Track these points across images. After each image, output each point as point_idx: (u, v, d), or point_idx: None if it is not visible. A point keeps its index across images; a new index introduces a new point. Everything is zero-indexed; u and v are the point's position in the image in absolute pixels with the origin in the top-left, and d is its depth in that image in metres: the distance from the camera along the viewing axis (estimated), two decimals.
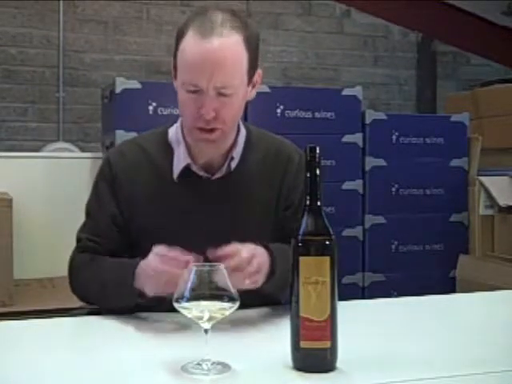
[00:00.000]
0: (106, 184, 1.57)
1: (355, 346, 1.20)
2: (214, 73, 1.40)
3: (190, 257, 1.26)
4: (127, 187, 1.55)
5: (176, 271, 1.24)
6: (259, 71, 1.53)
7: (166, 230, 1.48)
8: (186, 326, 1.20)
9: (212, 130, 1.45)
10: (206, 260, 1.24)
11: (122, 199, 1.55)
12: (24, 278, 3.00)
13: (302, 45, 4.72)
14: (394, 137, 3.30)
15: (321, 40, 4.76)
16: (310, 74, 4.72)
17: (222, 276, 1.10)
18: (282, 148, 1.64)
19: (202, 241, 1.37)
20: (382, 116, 3.32)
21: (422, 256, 3.32)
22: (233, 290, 1.10)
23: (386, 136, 3.29)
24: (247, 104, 1.57)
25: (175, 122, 1.61)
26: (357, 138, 3.23)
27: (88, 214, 1.61)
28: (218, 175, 1.55)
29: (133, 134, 2.52)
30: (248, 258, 1.30)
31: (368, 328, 1.39)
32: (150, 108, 2.91)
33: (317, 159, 1.13)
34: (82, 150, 4.05)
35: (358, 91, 3.25)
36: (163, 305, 1.24)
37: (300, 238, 1.10)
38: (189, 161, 1.54)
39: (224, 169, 1.55)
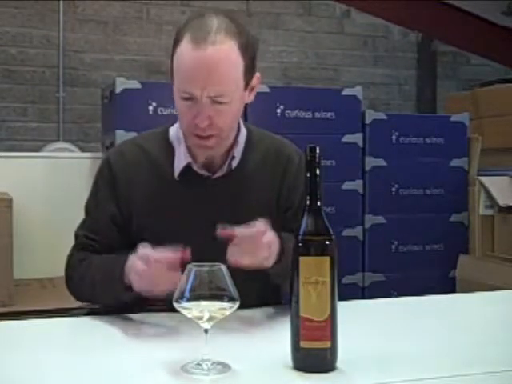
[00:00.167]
0: (106, 183, 1.57)
1: (355, 346, 1.20)
2: (207, 82, 1.39)
3: (173, 256, 1.27)
4: (127, 187, 1.55)
5: (158, 273, 1.26)
6: (257, 75, 1.52)
7: (166, 229, 1.49)
8: (186, 326, 1.20)
9: (208, 137, 1.46)
10: (195, 255, 1.24)
11: (122, 199, 1.55)
12: (24, 277, 3.00)
13: (302, 45, 4.72)
14: (393, 137, 3.30)
15: (321, 40, 4.76)
16: (310, 73, 4.72)
17: (222, 276, 1.10)
18: (282, 148, 1.64)
19: (202, 240, 1.38)
20: (382, 116, 3.32)
21: (422, 256, 3.32)
22: (233, 290, 1.10)
23: (386, 136, 3.29)
24: (247, 104, 1.57)
25: (175, 121, 1.61)
26: (357, 137, 3.23)
27: (87, 212, 1.61)
28: (218, 174, 1.55)
29: (133, 134, 2.51)
30: (262, 231, 1.31)
31: (368, 328, 1.40)
32: (150, 108, 2.91)
33: (317, 159, 1.13)
34: (82, 150, 4.05)
35: (358, 91, 3.25)
36: (163, 304, 1.24)
37: (300, 237, 1.10)
38: (189, 159, 1.54)
39: (225, 168, 1.55)
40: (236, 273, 1.15)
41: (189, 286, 1.09)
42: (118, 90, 2.90)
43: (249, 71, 1.47)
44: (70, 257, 1.59)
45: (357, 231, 3.22)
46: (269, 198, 1.58)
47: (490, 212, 3.35)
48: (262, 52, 4.44)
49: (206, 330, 1.11)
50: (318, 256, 1.09)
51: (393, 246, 3.28)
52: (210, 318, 1.10)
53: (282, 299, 1.61)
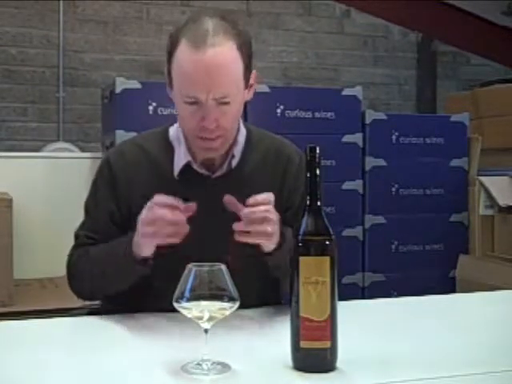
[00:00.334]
0: (105, 183, 1.57)
1: (355, 346, 1.20)
2: (211, 85, 1.39)
3: (179, 203, 1.32)
4: (127, 186, 1.55)
5: (169, 215, 1.30)
6: (254, 72, 1.52)
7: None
8: (186, 325, 1.20)
9: (214, 139, 1.46)
10: (195, 254, 1.25)
11: (121, 198, 1.55)
12: (24, 277, 3.00)
13: (302, 45, 4.72)
14: (393, 137, 3.30)
15: (321, 40, 4.76)
16: (310, 73, 4.72)
17: (222, 276, 1.10)
18: (282, 148, 1.64)
19: (201, 239, 1.38)
20: (382, 116, 3.32)
21: (422, 256, 3.32)
22: (233, 290, 1.10)
23: (386, 136, 3.29)
24: (247, 104, 1.57)
25: (175, 121, 1.61)
26: (357, 137, 3.23)
27: (86, 211, 1.61)
28: (218, 173, 1.56)
29: (133, 134, 2.51)
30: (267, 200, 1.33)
31: (368, 328, 1.40)
32: (150, 108, 2.91)
33: (317, 159, 1.13)
34: (82, 150, 4.05)
35: (358, 91, 3.25)
36: (163, 303, 1.23)
37: (300, 237, 1.10)
38: (189, 158, 1.54)
39: (225, 167, 1.56)
40: (236, 273, 1.14)
41: (189, 286, 1.09)
42: (117, 90, 2.90)
43: (248, 70, 1.48)
44: (71, 256, 1.59)
45: (357, 231, 3.22)
46: None
47: (490, 212, 3.35)
48: (262, 52, 4.44)
49: (206, 330, 1.11)
50: (318, 256, 1.09)
51: (393, 246, 3.28)
52: (210, 318, 1.10)
53: (282, 299, 1.61)
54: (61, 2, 4.15)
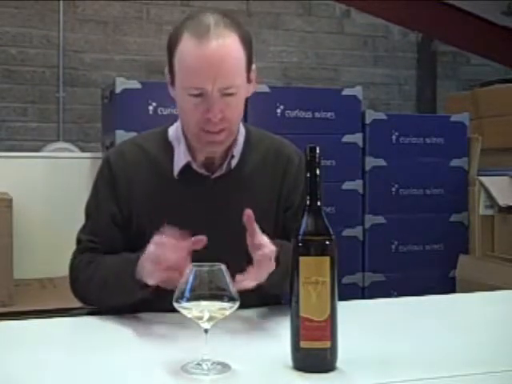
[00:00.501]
0: (106, 184, 1.57)
1: (355, 346, 1.20)
2: (217, 75, 1.40)
3: (187, 242, 1.28)
4: (127, 186, 1.55)
5: (173, 256, 1.27)
6: (253, 67, 1.53)
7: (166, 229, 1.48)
8: (186, 326, 1.20)
9: (219, 132, 1.46)
10: (195, 254, 1.24)
11: (122, 198, 1.55)
12: (24, 277, 3.00)
13: (302, 45, 4.72)
14: (393, 137, 3.30)
15: (321, 40, 4.76)
16: (310, 73, 4.72)
17: (222, 276, 1.10)
18: (281, 149, 1.64)
19: None
20: (382, 116, 3.32)
21: (422, 256, 3.32)
22: (233, 290, 1.10)
23: (386, 136, 3.29)
24: (247, 104, 1.57)
25: (175, 121, 1.61)
26: (357, 137, 3.23)
27: (88, 215, 1.61)
28: (218, 173, 1.56)
29: (133, 134, 2.51)
30: (271, 254, 1.31)
31: (368, 328, 1.40)
32: (150, 108, 2.91)
33: (317, 159, 1.13)
34: (82, 150, 4.05)
35: (358, 91, 3.25)
36: (163, 303, 1.23)
37: (300, 237, 1.10)
38: (189, 158, 1.54)
39: (224, 167, 1.55)
40: (236, 273, 1.15)
41: (189, 286, 1.09)
42: (118, 90, 2.90)
43: (249, 64, 1.49)
44: (74, 260, 1.58)
45: (357, 231, 3.22)
46: (269, 198, 1.58)
47: (490, 212, 3.35)
48: (262, 52, 4.44)
49: (206, 330, 1.11)
50: (318, 256, 1.09)
51: (393, 246, 3.28)
52: (210, 318, 1.10)
53: (282, 299, 1.61)
54: (61, 2, 4.15)
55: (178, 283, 1.21)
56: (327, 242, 1.10)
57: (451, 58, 5.11)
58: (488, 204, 3.34)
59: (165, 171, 1.55)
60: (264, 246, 1.31)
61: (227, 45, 1.41)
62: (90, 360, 1.18)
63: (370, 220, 3.25)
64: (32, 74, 4.14)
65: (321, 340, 1.08)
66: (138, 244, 1.48)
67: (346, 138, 3.21)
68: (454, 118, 3.42)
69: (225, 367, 1.10)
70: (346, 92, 3.24)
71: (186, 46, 1.42)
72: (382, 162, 3.26)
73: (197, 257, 1.18)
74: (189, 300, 1.08)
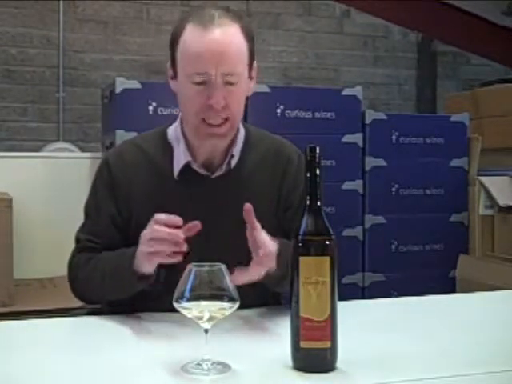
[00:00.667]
0: (105, 185, 1.57)
1: (355, 346, 1.20)
2: (220, 60, 1.42)
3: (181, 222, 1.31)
4: (126, 187, 1.55)
5: (167, 229, 1.29)
6: (255, 64, 1.54)
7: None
8: (186, 325, 1.20)
9: (220, 125, 1.46)
10: (195, 254, 1.25)
11: (121, 199, 1.55)
12: (24, 277, 3.00)
13: (302, 45, 4.72)
14: (393, 137, 3.30)
15: (321, 40, 4.76)
16: (310, 74, 4.72)
17: (222, 276, 1.10)
18: (281, 148, 1.64)
19: (201, 239, 1.37)
20: (381, 116, 3.32)
21: (422, 256, 3.32)
22: (233, 290, 1.10)
23: (386, 136, 3.29)
24: (247, 104, 1.57)
25: (174, 121, 1.61)
26: (357, 137, 3.23)
27: (87, 214, 1.61)
28: (217, 173, 1.56)
29: (133, 134, 2.51)
30: (272, 252, 1.32)
31: (368, 328, 1.40)
32: (150, 108, 2.91)
33: (317, 159, 1.13)
34: (82, 150, 4.06)
35: (358, 91, 3.25)
36: (163, 303, 1.23)
37: (300, 237, 1.10)
38: (189, 158, 1.54)
39: (224, 167, 1.55)
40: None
41: (189, 286, 1.09)
42: (118, 89, 2.90)
43: (251, 56, 1.50)
44: (73, 259, 1.58)
45: (357, 231, 3.22)
46: (269, 198, 1.58)
47: (490, 212, 3.35)
48: (262, 52, 4.44)
49: (206, 330, 1.11)
50: (318, 256, 1.09)
51: (393, 246, 3.28)
52: (210, 318, 1.10)
53: (282, 299, 1.61)
54: (61, 2, 4.15)
55: (173, 257, 1.23)
56: (327, 242, 1.10)
57: (451, 58, 5.11)
58: (488, 204, 3.34)
59: (164, 171, 1.55)
60: (266, 244, 1.31)
61: (231, 34, 1.44)
62: (89, 360, 1.18)
63: (370, 220, 3.25)
64: (32, 74, 4.15)
65: (321, 340, 1.08)
66: (137, 244, 1.48)
67: (346, 138, 3.21)
68: (454, 117, 3.42)
69: (225, 367, 1.10)
70: (346, 92, 3.24)
71: (190, 34, 1.44)
72: (382, 162, 3.26)
73: (197, 257, 1.18)
74: (189, 300, 1.08)
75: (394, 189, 3.29)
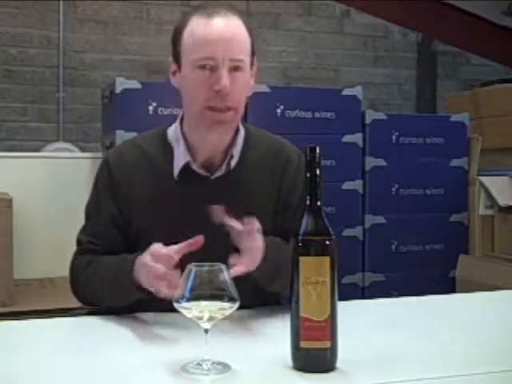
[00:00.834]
0: (105, 185, 1.57)
1: (355, 346, 1.20)
2: (227, 44, 1.45)
3: (179, 252, 1.29)
4: (126, 187, 1.55)
5: (161, 268, 1.27)
6: (255, 62, 1.56)
7: (166, 229, 1.48)
8: (186, 326, 1.20)
9: (225, 111, 1.47)
10: (195, 255, 1.25)
11: (121, 199, 1.55)
12: (24, 277, 3.00)
13: (302, 45, 4.72)
14: (393, 137, 3.30)
15: (321, 40, 4.76)
16: (310, 73, 4.72)
17: (222, 276, 1.10)
18: (281, 148, 1.64)
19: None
20: (381, 116, 3.32)
21: (422, 256, 3.32)
22: (233, 290, 1.10)
23: (386, 136, 3.29)
24: (247, 104, 1.57)
25: (174, 122, 1.61)
26: (357, 137, 3.22)
27: (88, 216, 1.61)
28: (217, 174, 1.55)
29: (133, 134, 2.51)
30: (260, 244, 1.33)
31: (368, 328, 1.40)
32: (150, 108, 2.91)
33: (317, 159, 1.13)
34: (82, 150, 4.06)
35: (358, 91, 3.25)
36: (164, 303, 1.23)
37: (300, 237, 1.10)
38: (189, 158, 1.54)
39: (224, 167, 1.55)
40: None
41: (189, 286, 1.09)
42: (118, 90, 2.90)
43: (252, 51, 1.53)
44: (74, 261, 1.58)
45: (357, 231, 3.22)
46: (268, 198, 1.58)
47: (490, 212, 3.35)
48: (262, 52, 4.44)
49: (206, 330, 1.11)
50: (318, 256, 1.09)
51: (393, 246, 3.28)
52: (210, 318, 1.10)
53: (282, 299, 1.61)
54: (61, 2, 4.15)
55: (165, 294, 1.22)
56: (327, 242, 1.10)
57: (451, 58, 5.11)
58: (488, 204, 3.34)
59: (164, 172, 1.55)
60: (255, 235, 1.33)
61: (235, 24, 1.49)
62: (89, 360, 1.18)
63: (370, 220, 3.25)
64: (32, 74, 4.15)
65: (321, 340, 1.08)
66: (138, 245, 1.49)
67: (346, 138, 3.21)
68: (454, 117, 3.42)
69: (225, 367, 1.10)
70: (346, 92, 3.24)
71: (196, 23, 1.47)
72: (382, 162, 3.26)
73: (197, 257, 1.18)
74: (189, 300, 1.08)
75: (393, 189, 3.29)
